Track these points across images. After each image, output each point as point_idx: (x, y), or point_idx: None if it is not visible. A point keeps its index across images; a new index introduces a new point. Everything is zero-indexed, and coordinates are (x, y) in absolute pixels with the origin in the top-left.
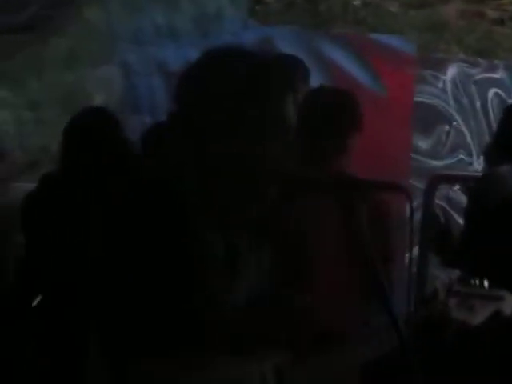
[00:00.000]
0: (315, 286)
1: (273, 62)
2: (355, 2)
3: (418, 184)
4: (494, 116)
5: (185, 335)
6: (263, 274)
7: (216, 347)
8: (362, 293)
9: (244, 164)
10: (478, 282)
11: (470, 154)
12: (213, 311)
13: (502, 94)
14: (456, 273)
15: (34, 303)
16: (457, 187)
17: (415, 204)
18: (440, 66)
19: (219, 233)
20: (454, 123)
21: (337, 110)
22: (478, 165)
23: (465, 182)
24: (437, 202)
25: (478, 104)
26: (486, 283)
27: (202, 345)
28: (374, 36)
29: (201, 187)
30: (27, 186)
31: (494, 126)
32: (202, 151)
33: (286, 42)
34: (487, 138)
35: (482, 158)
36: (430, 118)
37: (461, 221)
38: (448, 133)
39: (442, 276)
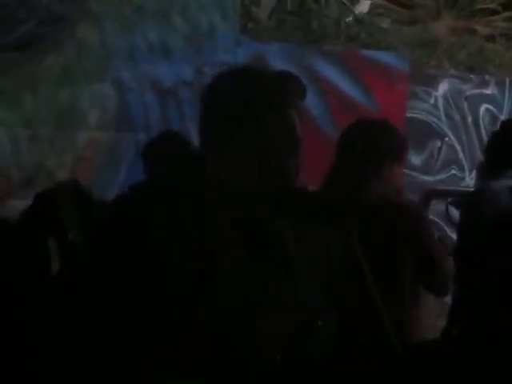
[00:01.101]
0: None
1: (272, 78)
2: (347, 19)
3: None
4: (486, 131)
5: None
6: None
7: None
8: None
9: (245, 181)
10: None
11: (462, 169)
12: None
13: (494, 109)
14: None
15: None
16: (449, 202)
17: None
18: (432, 81)
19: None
20: (446, 139)
21: (376, 139)
22: (470, 180)
23: (457, 196)
24: (430, 217)
25: (470, 119)
26: None
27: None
28: (366, 52)
29: (197, 204)
30: (22, 203)
31: (486, 141)
32: (203, 169)
33: (278, 59)
34: (479, 154)
35: (474, 173)
36: (422, 134)
37: (454, 235)
38: (440, 148)
39: None
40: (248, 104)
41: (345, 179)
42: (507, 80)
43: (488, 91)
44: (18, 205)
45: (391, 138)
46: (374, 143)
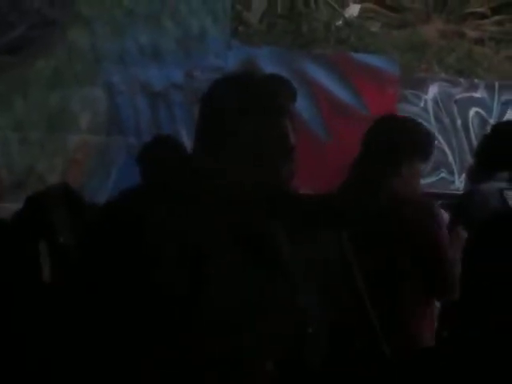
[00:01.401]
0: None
1: (263, 82)
2: (337, 23)
3: None
4: (475, 135)
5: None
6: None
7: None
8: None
9: (240, 184)
10: None
11: (451, 173)
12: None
13: (483, 113)
14: None
15: None
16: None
17: None
18: (421, 85)
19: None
20: (436, 142)
21: (395, 137)
22: (459, 183)
23: (447, 200)
24: None
25: (459, 123)
26: None
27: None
28: (356, 56)
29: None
30: (13, 206)
31: (475, 144)
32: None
33: (268, 63)
34: (468, 157)
35: (463, 176)
36: None
37: None
38: None
39: None
40: (240, 109)
41: (363, 178)
42: (496, 84)
43: (477, 95)
44: (9, 207)
45: (413, 137)
46: (393, 142)
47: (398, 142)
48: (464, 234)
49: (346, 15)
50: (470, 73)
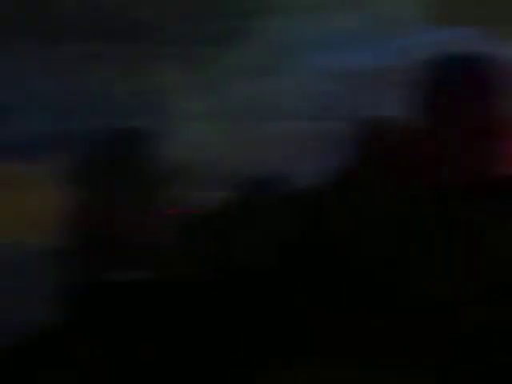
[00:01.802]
0: None
1: (476, 64)
2: None
3: None
4: None
5: None
6: None
7: None
8: None
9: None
10: None
11: None
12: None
13: None
14: None
15: None
16: None
17: None
18: None
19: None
20: None
21: None
22: None
23: None
24: None
25: None
26: None
27: None
28: None
29: None
30: (212, 195)
31: None
32: None
33: (470, 43)
34: None
35: None
36: None
37: None
38: None
39: None
40: (463, 93)
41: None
42: None
43: None
44: (210, 196)
45: None
46: None
47: None
48: None
49: None
50: None
